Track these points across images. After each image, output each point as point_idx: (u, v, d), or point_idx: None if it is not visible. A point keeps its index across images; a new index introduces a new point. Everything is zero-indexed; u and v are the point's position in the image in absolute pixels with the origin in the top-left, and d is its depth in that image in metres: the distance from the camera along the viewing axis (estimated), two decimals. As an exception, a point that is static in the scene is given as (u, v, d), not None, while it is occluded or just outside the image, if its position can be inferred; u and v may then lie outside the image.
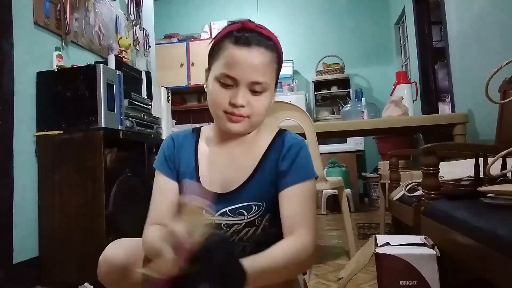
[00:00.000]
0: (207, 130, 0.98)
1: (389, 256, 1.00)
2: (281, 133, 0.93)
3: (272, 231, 0.89)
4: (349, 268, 1.30)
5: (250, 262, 0.70)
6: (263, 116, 0.88)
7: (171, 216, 0.90)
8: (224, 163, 0.91)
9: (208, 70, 0.89)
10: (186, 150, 0.94)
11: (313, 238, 0.82)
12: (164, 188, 0.93)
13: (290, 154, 0.87)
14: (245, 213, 0.87)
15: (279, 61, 0.89)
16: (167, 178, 0.93)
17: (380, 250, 1.03)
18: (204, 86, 0.91)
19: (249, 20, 0.86)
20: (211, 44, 0.88)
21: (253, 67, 0.81)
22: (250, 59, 0.81)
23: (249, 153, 0.91)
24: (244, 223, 0.88)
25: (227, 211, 0.88)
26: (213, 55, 0.87)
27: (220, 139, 0.92)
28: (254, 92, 0.83)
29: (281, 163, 0.87)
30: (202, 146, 0.94)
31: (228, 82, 0.82)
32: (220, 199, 0.87)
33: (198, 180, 0.91)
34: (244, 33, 0.83)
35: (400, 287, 1.00)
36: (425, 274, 0.98)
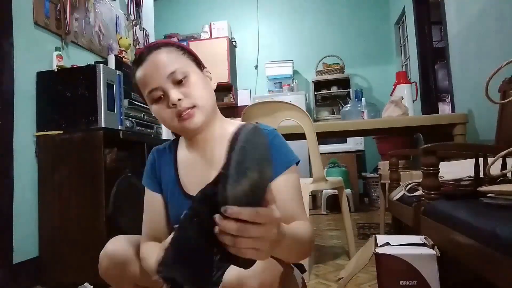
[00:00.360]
0: (183, 138, 0.99)
1: (389, 256, 1.01)
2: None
3: None
4: (349, 268, 1.30)
5: (287, 228, 0.66)
6: (207, 95, 0.88)
7: (162, 227, 0.96)
8: (199, 164, 0.93)
9: (146, 102, 0.91)
10: (166, 161, 0.97)
11: (311, 226, 0.84)
12: (151, 201, 0.99)
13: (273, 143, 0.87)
14: None
15: (184, 50, 0.90)
16: (152, 192, 0.99)
17: (380, 250, 1.03)
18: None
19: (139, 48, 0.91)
20: (132, 84, 0.93)
21: (157, 67, 0.84)
22: (151, 64, 0.85)
23: (218, 147, 0.90)
24: None
25: None
26: (138, 90, 0.91)
27: (192, 143, 0.94)
28: (179, 83, 0.84)
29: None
30: (181, 154, 0.97)
31: (156, 95, 0.85)
32: None
33: (179, 186, 0.93)
34: (139, 57, 0.88)
35: (400, 287, 1.00)
36: (425, 274, 0.99)
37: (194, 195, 0.79)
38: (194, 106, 0.84)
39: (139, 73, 0.86)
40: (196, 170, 0.93)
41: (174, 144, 1.00)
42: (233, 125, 0.95)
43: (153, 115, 0.92)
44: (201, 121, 0.86)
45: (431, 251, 1.01)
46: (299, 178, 0.89)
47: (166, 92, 0.84)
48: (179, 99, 0.83)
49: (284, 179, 0.85)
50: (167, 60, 0.85)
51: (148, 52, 0.86)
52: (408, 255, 1.00)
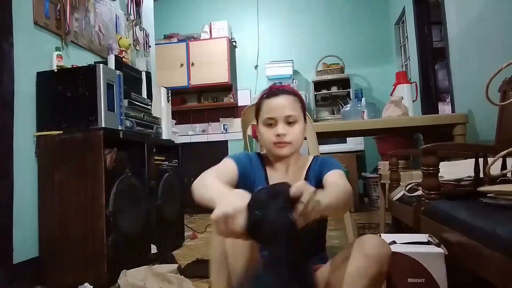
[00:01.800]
0: (265, 156, 1.28)
1: (397, 254, 1.02)
2: (316, 156, 1.31)
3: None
4: None
5: (323, 196, 0.86)
6: (300, 140, 1.20)
7: (229, 180, 1.13)
8: (283, 177, 1.21)
9: (257, 123, 1.24)
10: (257, 171, 1.23)
11: (349, 185, 1.07)
12: (229, 167, 1.16)
13: (324, 162, 1.23)
14: None
15: (302, 102, 1.22)
16: (234, 164, 1.17)
17: None
18: (258, 135, 1.25)
19: (274, 84, 1.14)
20: (255, 106, 1.25)
21: (283, 106, 1.16)
22: (280, 102, 1.17)
23: (299, 170, 1.24)
24: None
25: None
26: (257, 112, 1.23)
27: (276, 163, 1.23)
28: (289, 124, 1.16)
29: (318, 170, 1.21)
30: (268, 169, 1.25)
31: (271, 122, 1.17)
32: None
33: None
34: (272, 90, 1.21)
35: (408, 284, 1.02)
36: (433, 272, 1.00)
37: None
38: (289, 143, 1.16)
39: (270, 102, 1.18)
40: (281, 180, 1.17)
41: (260, 158, 1.27)
42: (305, 158, 1.29)
43: (258, 134, 1.24)
44: (289, 153, 1.18)
45: (439, 249, 1.02)
46: (343, 174, 1.16)
47: (278, 124, 1.15)
48: (283, 134, 1.15)
49: (333, 171, 1.15)
50: (288, 106, 1.16)
51: (283, 92, 1.19)
52: (416, 253, 1.02)
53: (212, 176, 1.04)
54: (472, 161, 1.35)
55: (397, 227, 2.21)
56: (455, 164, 1.78)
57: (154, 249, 2.33)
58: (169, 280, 1.77)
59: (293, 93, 1.22)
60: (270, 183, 1.19)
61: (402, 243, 1.07)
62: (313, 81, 5.08)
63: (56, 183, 1.99)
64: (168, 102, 3.23)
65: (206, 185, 0.97)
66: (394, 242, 1.07)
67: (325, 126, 2.88)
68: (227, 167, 1.16)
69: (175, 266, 1.94)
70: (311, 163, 1.26)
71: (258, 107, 1.23)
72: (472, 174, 1.36)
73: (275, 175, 1.23)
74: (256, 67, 5.52)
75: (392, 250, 1.04)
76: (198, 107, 5.44)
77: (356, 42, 5.26)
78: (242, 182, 1.17)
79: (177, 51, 5.17)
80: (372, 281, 0.92)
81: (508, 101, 1.51)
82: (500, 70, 1.30)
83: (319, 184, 1.17)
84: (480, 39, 2.47)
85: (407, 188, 1.74)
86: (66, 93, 2.06)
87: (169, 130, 3.11)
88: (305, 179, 1.20)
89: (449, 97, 3.37)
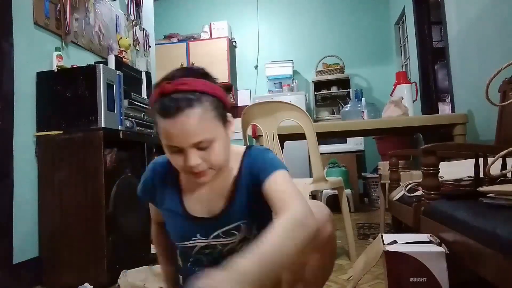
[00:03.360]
0: None
1: (398, 254, 1.03)
2: (247, 150, 0.97)
3: None
4: (357, 267, 1.31)
5: (247, 260, 0.66)
6: (224, 157, 0.89)
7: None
8: (205, 192, 0.96)
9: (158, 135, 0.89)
10: (168, 183, 0.99)
11: (307, 205, 0.81)
12: (152, 207, 1.10)
13: (257, 160, 0.93)
14: (236, 233, 0.95)
15: (214, 104, 0.84)
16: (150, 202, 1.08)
17: (390, 248, 1.04)
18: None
19: (167, 81, 0.82)
20: (154, 123, 0.88)
21: (186, 133, 0.81)
22: (180, 128, 0.80)
23: (224, 180, 0.95)
24: (237, 241, 0.96)
25: (220, 234, 0.95)
26: (154, 123, 0.87)
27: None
28: (201, 149, 0.84)
29: (252, 170, 0.92)
30: (183, 178, 0.98)
31: (175, 149, 0.84)
32: (211, 222, 0.95)
33: (184, 210, 0.97)
34: (165, 101, 0.81)
35: (410, 283, 1.02)
36: (434, 271, 1.01)
37: (197, 216, 0.96)
38: (210, 168, 0.87)
39: (166, 126, 0.81)
40: (200, 195, 0.97)
41: (172, 168, 0.95)
42: (237, 155, 0.97)
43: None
44: (213, 178, 0.89)
45: (440, 249, 1.03)
46: (291, 179, 0.90)
47: (187, 154, 0.83)
48: (197, 164, 0.84)
49: (274, 176, 0.88)
50: (197, 128, 0.81)
51: (181, 108, 0.79)
52: (417, 253, 1.02)
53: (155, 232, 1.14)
54: (472, 161, 1.35)
55: (397, 227, 2.22)
56: (455, 164, 1.78)
57: (154, 249, 2.33)
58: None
59: (198, 100, 0.81)
60: (187, 208, 0.96)
61: (404, 242, 1.07)
62: (313, 81, 5.08)
63: (56, 183, 1.98)
64: (168, 102, 3.23)
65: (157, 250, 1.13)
66: (395, 242, 1.07)
67: (325, 126, 2.89)
68: (151, 209, 1.11)
69: (175, 266, 1.94)
70: (240, 166, 0.95)
71: (153, 116, 0.86)
72: (472, 174, 1.36)
73: (193, 191, 0.97)
74: (256, 67, 5.52)
75: (393, 250, 1.04)
76: (198, 107, 5.43)
77: (356, 42, 5.26)
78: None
79: (177, 51, 5.17)
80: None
81: (508, 102, 1.51)
82: (500, 71, 1.30)
83: (256, 195, 0.89)
84: (480, 39, 2.47)
85: (407, 188, 1.74)
86: (66, 93, 2.06)
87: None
88: (233, 194, 0.94)
89: (449, 97, 3.37)
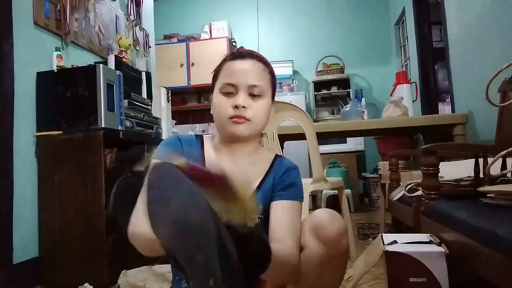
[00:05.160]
0: (209, 138, 1.03)
1: (398, 254, 1.03)
2: (279, 156, 1.03)
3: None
4: (357, 267, 1.31)
5: None
6: (264, 120, 0.96)
7: None
8: (233, 162, 0.96)
9: (212, 90, 0.98)
10: (192, 154, 0.96)
11: (298, 253, 0.85)
12: None
13: (289, 174, 0.97)
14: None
15: (272, 75, 0.99)
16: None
17: (390, 248, 1.04)
18: (211, 110, 0.99)
19: (242, 47, 0.99)
20: (214, 70, 0.99)
21: (249, 72, 0.92)
22: (246, 66, 0.93)
23: (252, 168, 0.96)
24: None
25: None
26: (215, 76, 0.98)
27: (224, 148, 0.98)
28: (253, 96, 0.93)
29: (279, 180, 0.96)
30: (208, 152, 0.99)
31: (230, 90, 0.92)
32: None
33: None
34: (239, 52, 0.97)
35: (410, 283, 1.02)
36: (434, 271, 1.01)
37: None
38: (249, 120, 0.92)
39: (233, 65, 0.93)
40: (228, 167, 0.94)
41: (199, 140, 1.01)
42: (269, 153, 1.04)
43: (212, 106, 0.98)
44: (247, 134, 0.93)
45: (440, 249, 1.03)
46: (301, 215, 0.94)
47: (239, 94, 0.91)
48: (244, 107, 0.90)
49: (291, 203, 0.92)
50: (256, 73, 0.93)
51: (251, 56, 0.95)
52: (417, 253, 1.02)
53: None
54: (472, 161, 1.35)
55: (397, 227, 2.22)
56: (455, 164, 1.78)
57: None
58: (169, 280, 1.77)
59: (264, 61, 0.97)
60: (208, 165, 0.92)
61: (404, 242, 1.07)
62: (313, 81, 5.08)
63: (56, 183, 1.98)
64: (168, 102, 3.23)
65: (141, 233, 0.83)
66: (395, 242, 1.07)
67: (325, 126, 2.89)
68: None
69: (175, 266, 1.94)
70: (274, 161, 1.00)
71: (217, 71, 0.97)
72: (472, 174, 1.36)
73: (218, 163, 0.95)
74: (256, 67, 5.51)
75: (393, 250, 1.04)
76: (198, 107, 5.43)
77: (356, 42, 5.26)
78: None
79: (177, 51, 5.17)
80: (332, 267, 0.85)
81: (508, 102, 1.50)
82: (500, 72, 1.30)
83: (270, 197, 0.93)
84: (480, 39, 2.47)
85: (407, 188, 1.74)
86: (66, 93, 2.06)
87: (169, 130, 3.11)
88: (259, 187, 0.95)
89: (449, 97, 3.37)
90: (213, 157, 0.97)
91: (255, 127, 0.94)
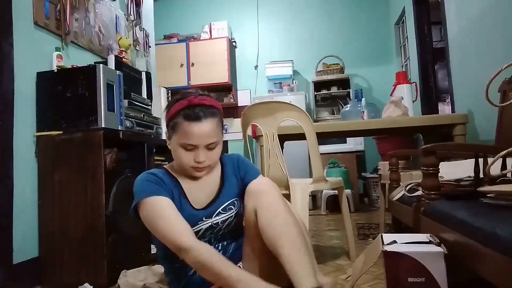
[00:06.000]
0: (172, 168, 1.26)
1: (397, 254, 1.03)
2: (222, 157, 1.29)
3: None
4: (356, 267, 1.31)
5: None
6: (217, 159, 1.22)
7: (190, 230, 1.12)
8: (201, 187, 1.24)
9: (169, 137, 1.18)
10: (169, 184, 1.20)
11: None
12: (168, 205, 1.13)
13: (239, 164, 1.28)
14: (232, 207, 1.24)
15: (220, 113, 1.19)
16: (164, 198, 1.14)
17: (389, 248, 1.05)
18: (168, 144, 1.22)
19: (193, 96, 1.14)
20: (167, 119, 1.17)
21: (206, 135, 1.12)
22: (203, 130, 1.11)
23: (213, 175, 1.27)
24: (233, 214, 1.24)
25: (220, 210, 1.22)
26: (172, 127, 1.16)
27: (192, 177, 1.23)
28: (209, 149, 1.15)
29: (237, 171, 1.27)
30: (180, 179, 1.23)
31: (190, 147, 1.13)
32: (210, 206, 1.22)
33: (189, 202, 1.21)
34: (192, 109, 1.12)
35: (408, 284, 1.02)
36: (433, 271, 1.01)
37: (199, 208, 1.22)
38: (208, 166, 1.18)
39: (191, 128, 1.11)
40: (198, 190, 1.23)
41: (166, 172, 1.25)
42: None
43: (167, 144, 1.22)
44: (207, 173, 1.22)
45: (439, 249, 1.03)
46: (269, 180, 1.23)
47: (198, 151, 1.13)
48: (204, 161, 1.14)
49: (258, 179, 1.23)
50: (213, 131, 1.13)
51: (205, 115, 1.12)
52: (416, 253, 1.03)
53: (196, 243, 1.05)
54: (472, 161, 1.35)
55: (397, 227, 2.22)
56: (455, 164, 1.78)
57: (154, 249, 2.33)
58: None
59: (216, 113, 1.16)
60: (188, 197, 1.20)
61: (403, 243, 1.07)
62: (313, 81, 5.08)
63: (56, 183, 1.99)
64: (168, 102, 3.22)
65: (209, 258, 1.01)
66: (394, 242, 1.07)
67: (325, 126, 2.88)
68: (170, 207, 1.12)
69: (175, 266, 1.94)
70: (222, 165, 1.29)
71: (174, 123, 1.14)
72: (472, 174, 1.36)
73: (192, 188, 1.22)
74: (256, 67, 5.52)
75: (392, 250, 1.04)
76: (198, 107, 5.42)
77: (356, 42, 5.26)
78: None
79: (177, 51, 5.17)
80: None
81: (508, 103, 1.51)
82: (499, 72, 1.30)
83: (240, 184, 1.25)
84: (480, 39, 2.47)
85: (407, 188, 1.74)
86: (66, 93, 2.06)
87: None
88: (221, 185, 1.25)
89: (449, 97, 3.37)
90: (185, 182, 1.22)
91: (212, 166, 1.21)
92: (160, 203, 1.11)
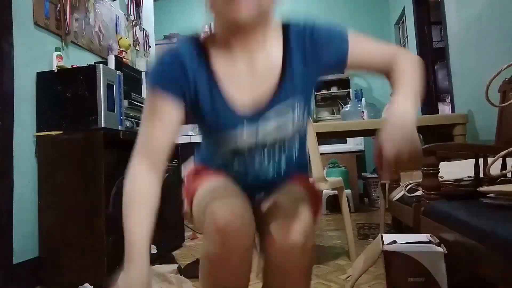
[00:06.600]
0: (210, 39, 0.87)
1: (397, 254, 1.03)
2: (285, 22, 0.91)
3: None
4: (356, 267, 1.31)
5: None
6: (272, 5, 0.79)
7: (166, 152, 0.83)
8: (247, 74, 0.81)
9: None
10: (197, 75, 0.81)
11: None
12: (163, 111, 0.81)
13: (314, 32, 0.85)
14: (291, 111, 0.82)
15: None
16: (169, 98, 0.80)
17: (389, 248, 1.05)
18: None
19: None
20: None
21: None
22: None
23: (269, 56, 0.82)
24: (291, 125, 0.84)
25: (272, 114, 0.81)
26: None
27: (234, 47, 0.81)
28: None
29: (310, 42, 0.83)
30: (215, 62, 0.81)
31: None
32: (261, 105, 0.81)
33: (223, 97, 0.80)
34: None
35: (408, 283, 1.03)
36: (433, 271, 1.01)
37: (245, 114, 0.79)
38: None
39: None
40: (243, 79, 0.81)
41: (197, 44, 0.85)
42: (275, 28, 0.88)
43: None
44: (253, 16, 0.75)
45: (439, 249, 1.03)
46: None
47: None
48: None
49: (356, 39, 0.89)
50: None
51: None
52: (416, 253, 1.03)
53: (138, 194, 0.79)
54: (472, 161, 1.35)
55: (397, 227, 2.22)
56: (455, 164, 1.78)
57: (154, 249, 2.33)
58: (169, 280, 1.77)
59: None
60: (225, 88, 0.79)
61: (403, 242, 1.08)
62: (313, 81, 5.07)
63: (56, 183, 1.98)
64: (168, 102, 3.23)
65: (128, 215, 0.76)
66: (394, 242, 1.07)
67: (325, 126, 2.89)
68: (163, 124, 0.81)
69: (175, 266, 1.94)
70: (284, 38, 0.87)
71: None
72: (472, 174, 1.36)
73: (229, 72, 0.80)
74: (256, 67, 5.51)
75: (391, 250, 1.04)
76: (198, 107, 5.42)
77: (356, 42, 5.25)
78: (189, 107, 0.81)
79: (177, 51, 5.16)
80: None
81: (508, 103, 1.51)
82: (500, 72, 1.30)
83: (314, 67, 0.82)
84: (480, 39, 2.47)
85: (407, 188, 1.74)
86: (66, 93, 2.06)
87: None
88: (284, 64, 0.81)
89: (449, 97, 3.37)
90: (222, 62, 0.80)
91: (262, 7, 0.78)
92: (156, 105, 0.84)
